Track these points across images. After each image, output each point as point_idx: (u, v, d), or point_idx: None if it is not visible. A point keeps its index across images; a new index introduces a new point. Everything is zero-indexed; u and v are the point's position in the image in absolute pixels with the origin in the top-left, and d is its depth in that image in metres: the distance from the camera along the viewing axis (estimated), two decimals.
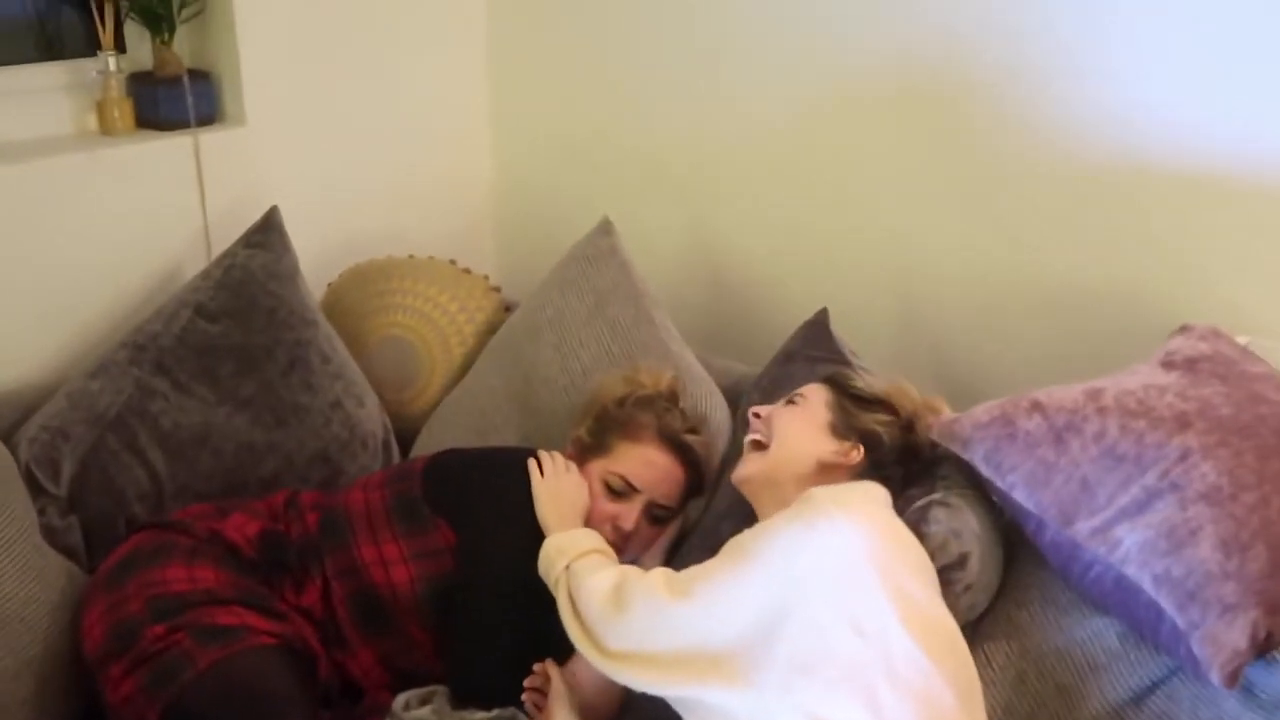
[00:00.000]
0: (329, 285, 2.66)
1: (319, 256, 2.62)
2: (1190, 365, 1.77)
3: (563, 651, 1.83)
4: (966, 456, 1.76)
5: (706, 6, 2.58)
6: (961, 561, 1.72)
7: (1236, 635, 1.49)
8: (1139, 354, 1.90)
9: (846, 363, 2.13)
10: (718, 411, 2.26)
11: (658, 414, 2.07)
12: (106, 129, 2.41)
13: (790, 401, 1.90)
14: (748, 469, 1.85)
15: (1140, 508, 1.60)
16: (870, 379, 1.95)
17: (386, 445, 2.41)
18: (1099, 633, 1.70)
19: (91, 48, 2.38)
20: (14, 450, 2.06)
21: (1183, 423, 1.64)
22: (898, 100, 2.36)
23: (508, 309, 2.61)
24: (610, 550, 1.85)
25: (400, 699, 1.89)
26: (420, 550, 1.94)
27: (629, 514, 1.98)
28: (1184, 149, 2.05)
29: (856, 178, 2.46)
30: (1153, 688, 1.64)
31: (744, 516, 1.83)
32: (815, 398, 1.87)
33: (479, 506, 1.96)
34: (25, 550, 1.90)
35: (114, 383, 2.15)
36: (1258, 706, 1.55)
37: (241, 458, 2.21)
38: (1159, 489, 1.60)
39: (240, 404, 2.21)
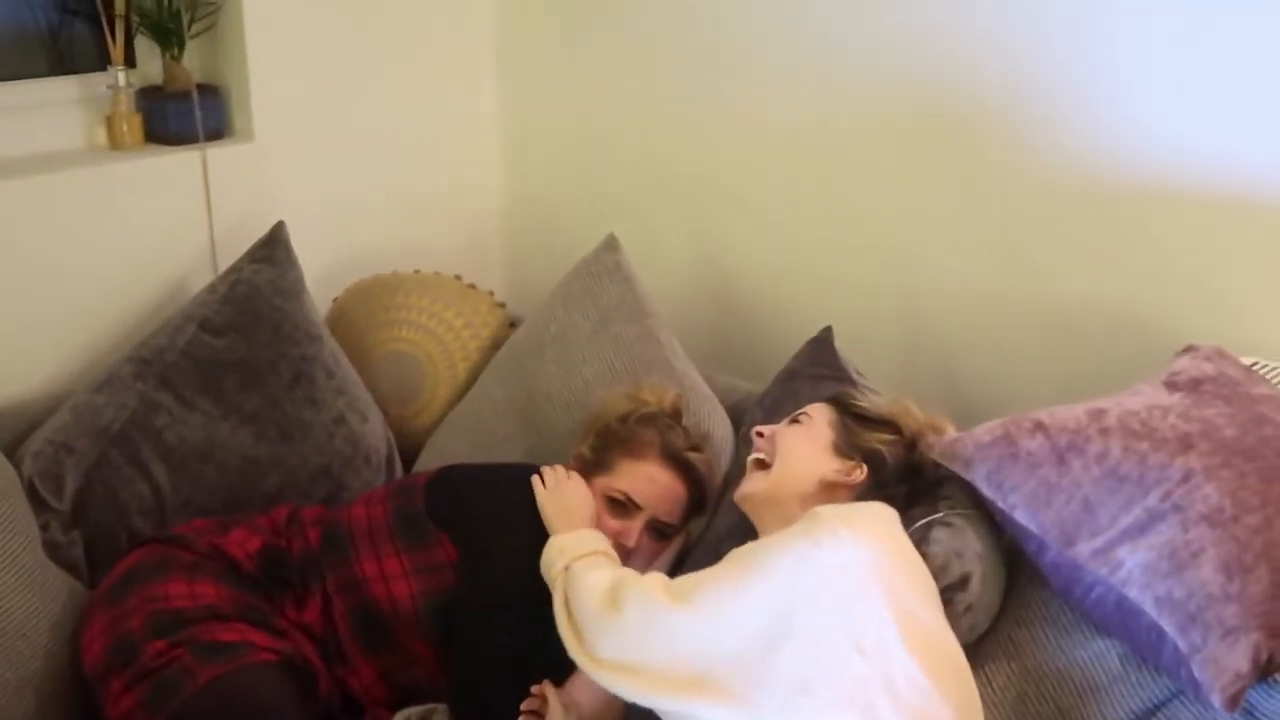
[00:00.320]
0: (334, 300, 2.67)
1: (325, 271, 2.63)
2: (1194, 386, 1.77)
3: (562, 672, 1.83)
4: (968, 476, 1.75)
5: (715, 26, 2.58)
6: (963, 582, 1.71)
7: (1238, 658, 1.48)
8: (1144, 375, 1.89)
9: (851, 381, 2.12)
10: (721, 429, 2.26)
11: (661, 431, 2.06)
12: (116, 143, 2.42)
13: (794, 420, 1.89)
14: (750, 487, 1.84)
15: (1142, 529, 1.60)
16: (874, 398, 1.95)
17: (390, 461, 2.41)
18: (1100, 654, 1.69)
19: (102, 62, 2.40)
20: (18, 465, 2.07)
21: (1186, 444, 1.63)
22: (905, 121, 2.36)
23: (513, 325, 2.62)
24: (614, 553, 1.84)
25: (399, 716, 1.89)
26: (422, 565, 1.94)
27: (631, 531, 1.98)
28: (1189, 170, 2.05)
29: (863, 197, 2.46)
30: (1154, 710, 1.63)
31: (746, 535, 1.82)
32: (819, 417, 1.87)
33: (482, 522, 1.96)
34: (28, 565, 1.90)
35: (118, 397, 2.16)
36: None
37: (245, 472, 2.21)
38: (1161, 510, 1.59)
39: (244, 419, 2.21)
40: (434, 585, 1.93)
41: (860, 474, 1.79)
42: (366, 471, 2.33)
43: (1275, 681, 1.52)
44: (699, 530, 2.12)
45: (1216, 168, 2.02)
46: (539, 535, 1.82)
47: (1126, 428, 1.68)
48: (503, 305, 2.68)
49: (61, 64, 2.39)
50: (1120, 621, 1.63)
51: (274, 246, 2.35)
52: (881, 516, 1.65)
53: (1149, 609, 1.57)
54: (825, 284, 2.56)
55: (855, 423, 1.85)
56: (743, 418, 2.24)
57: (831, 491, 1.77)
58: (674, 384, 2.24)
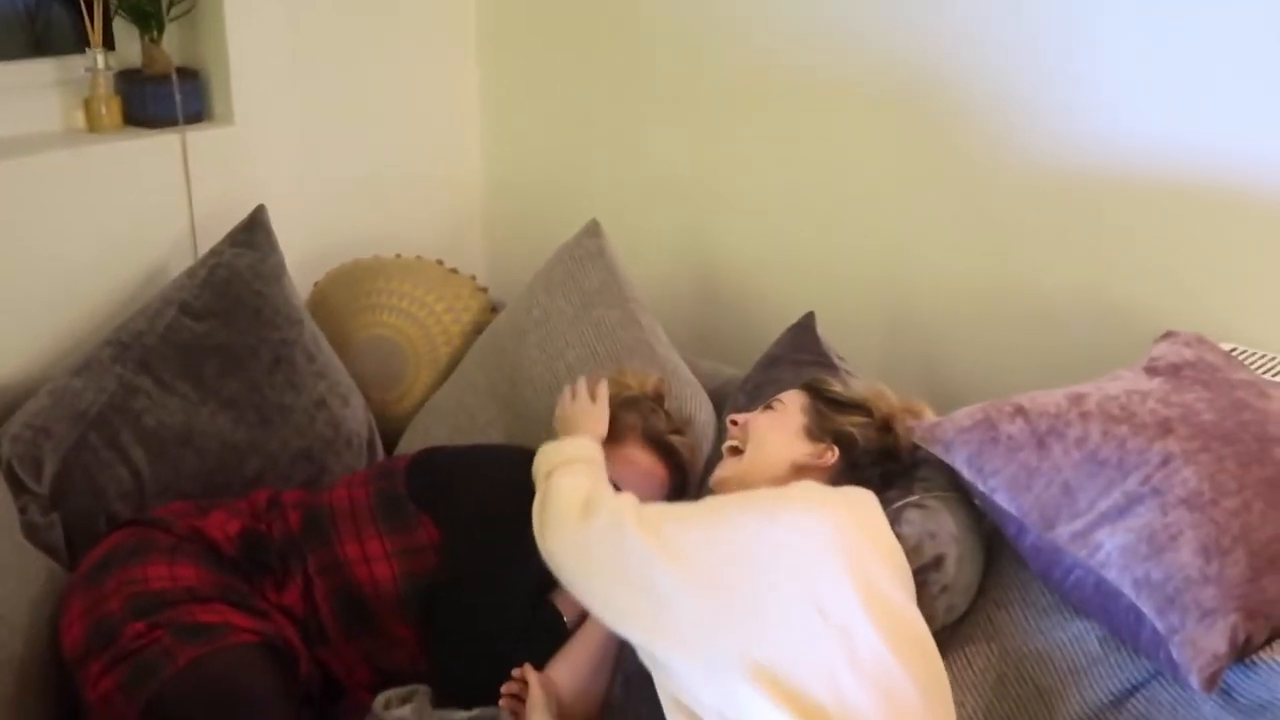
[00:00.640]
0: (315, 285, 2.66)
1: (305, 256, 2.63)
2: (1174, 371, 1.78)
3: (543, 656, 1.84)
4: (949, 460, 1.76)
5: (697, 12, 2.58)
6: (937, 563, 1.72)
7: (1216, 639, 1.49)
8: (1124, 362, 1.90)
9: (833, 366, 2.13)
10: (703, 413, 2.26)
11: (643, 415, 2.07)
12: (94, 126, 2.41)
13: (768, 407, 1.90)
14: (723, 472, 1.86)
15: (1121, 512, 1.61)
16: (850, 383, 1.96)
17: (371, 445, 2.40)
18: (1080, 636, 1.70)
19: (80, 45, 2.38)
20: None
21: (1165, 428, 1.64)
22: (886, 110, 2.37)
23: (494, 309, 2.62)
24: (601, 459, 1.85)
25: (381, 698, 1.88)
26: (404, 547, 1.94)
27: None
28: (1170, 161, 2.06)
29: (845, 183, 2.47)
30: (1133, 691, 1.64)
31: None
32: (791, 403, 1.88)
33: (464, 504, 1.96)
34: (6, 548, 1.89)
35: (97, 380, 2.15)
36: (1237, 710, 1.55)
37: (225, 457, 2.20)
38: (1140, 494, 1.60)
39: (224, 403, 2.21)
40: (416, 567, 1.93)
41: (832, 456, 1.80)
42: (348, 455, 2.33)
43: (1252, 662, 1.53)
44: None
45: (1196, 159, 2.03)
46: (522, 516, 1.81)
47: (1106, 412, 1.69)
48: (484, 290, 2.67)
49: (39, 46, 2.37)
50: (1099, 603, 1.64)
51: (254, 230, 2.34)
52: (854, 500, 1.66)
53: (1128, 591, 1.58)
54: (807, 270, 2.56)
55: (827, 407, 1.86)
56: (725, 402, 2.25)
57: (803, 474, 1.78)
58: (656, 368, 2.24)
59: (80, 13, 2.34)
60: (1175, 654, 1.52)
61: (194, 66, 2.52)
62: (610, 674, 1.84)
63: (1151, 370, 1.79)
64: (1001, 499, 1.70)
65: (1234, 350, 1.96)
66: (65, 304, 2.33)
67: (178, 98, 2.42)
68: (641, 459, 2.04)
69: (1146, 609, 1.55)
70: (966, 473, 1.74)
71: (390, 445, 2.47)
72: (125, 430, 2.13)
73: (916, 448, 1.86)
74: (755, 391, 2.15)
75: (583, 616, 1.87)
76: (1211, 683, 1.49)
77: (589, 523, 1.64)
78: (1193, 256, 2.08)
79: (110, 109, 2.41)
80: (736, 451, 1.87)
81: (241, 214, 2.37)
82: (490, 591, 1.89)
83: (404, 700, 1.88)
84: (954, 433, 1.76)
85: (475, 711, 1.82)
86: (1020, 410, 1.73)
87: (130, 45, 2.47)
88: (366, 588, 1.93)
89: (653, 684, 1.58)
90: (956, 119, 2.28)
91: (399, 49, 2.81)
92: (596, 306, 2.34)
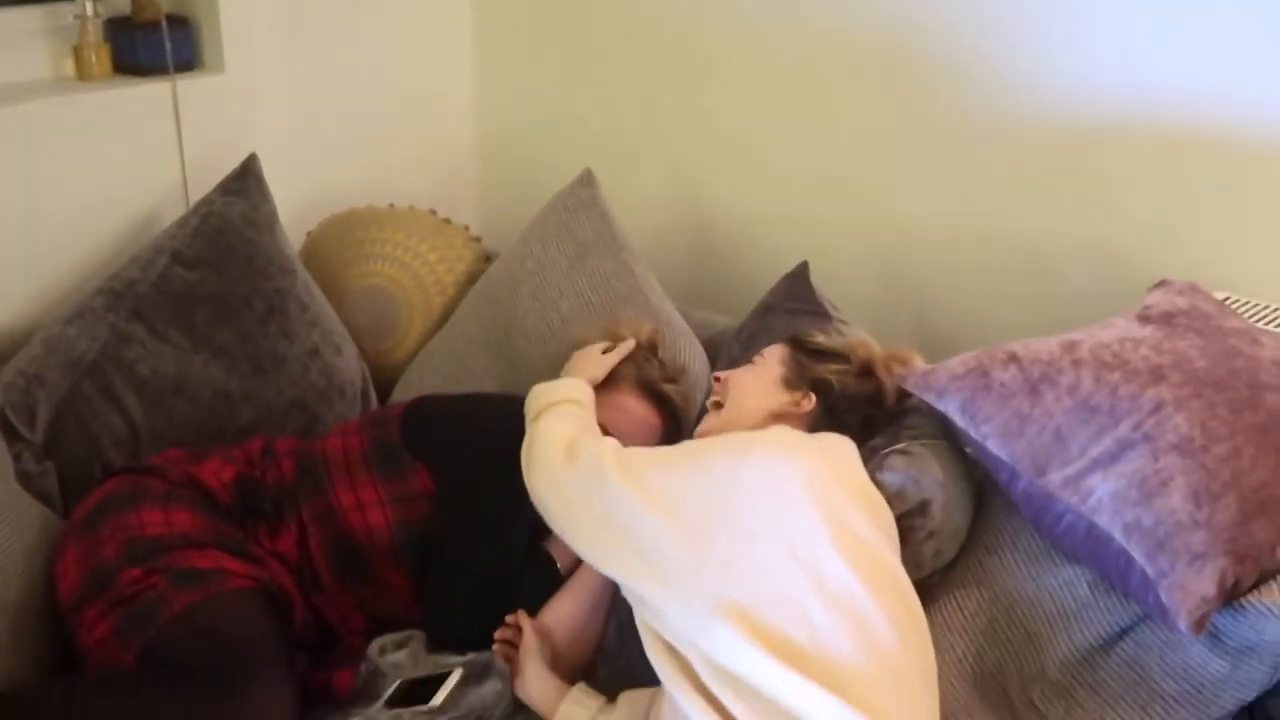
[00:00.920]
0: (308, 234, 2.65)
1: (298, 205, 2.62)
2: (1167, 319, 1.78)
3: (535, 602, 1.85)
4: (941, 407, 1.76)
5: None
6: (922, 508, 1.73)
7: (1205, 583, 1.50)
8: (1118, 310, 1.90)
9: (826, 315, 2.13)
10: (697, 362, 2.26)
11: (637, 364, 2.08)
12: (84, 74, 2.38)
13: (749, 362, 1.92)
14: (705, 426, 1.89)
15: (1113, 458, 1.61)
16: (843, 332, 1.97)
17: (365, 394, 2.41)
18: (1070, 581, 1.71)
19: None
20: None
21: (1157, 375, 1.65)
22: (880, 60, 2.36)
23: (488, 259, 2.61)
24: (589, 402, 1.90)
25: (376, 644, 1.89)
26: (398, 495, 1.95)
27: None
28: (1164, 109, 2.06)
29: (838, 136, 2.46)
30: (1122, 634, 1.66)
31: None
32: (771, 356, 1.91)
33: (457, 451, 1.96)
34: (1, 495, 1.89)
35: (90, 329, 2.14)
36: (1224, 652, 1.57)
37: (218, 406, 2.20)
38: (1132, 440, 1.61)
39: (217, 351, 2.20)
40: (410, 515, 1.94)
41: (809, 403, 1.82)
42: (341, 405, 2.33)
43: (1240, 606, 1.54)
44: None
45: (1188, 105, 2.03)
46: (515, 465, 1.82)
47: (1099, 359, 1.69)
48: (478, 240, 2.66)
49: None
50: (1090, 549, 1.65)
51: (246, 179, 2.33)
52: (828, 444, 1.67)
53: (1118, 536, 1.59)
54: (801, 220, 2.56)
55: (806, 357, 1.87)
56: (719, 351, 2.25)
57: (782, 423, 1.79)
58: (650, 318, 2.24)
59: None
60: (1164, 597, 1.53)
61: (184, 14, 2.49)
62: (603, 619, 1.86)
63: (1144, 318, 1.80)
64: (994, 446, 1.71)
65: (1227, 299, 1.97)
66: (57, 252, 2.32)
67: (168, 45, 2.40)
68: (635, 408, 2.05)
69: (1136, 554, 1.56)
70: (959, 420, 1.75)
71: (384, 395, 2.48)
72: (119, 378, 2.13)
73: (903, 395, 1.86)
74: (749, 341, 2.15)
75: (576, 563, 1.88)
76: (1200, 625, 1.50)
77: (571, 466, 1.69)
78: (1186, 205, 2.08)
79: (100, 57, 2.39)
80: (719, 406, 1.89)
81: (233, 163, 2.36)
82: (484, 538, 1.90)
83: (399, 646, 1.90)
84: (947, 380, 1.76)
85: (469, 656, 1.84)
86: (1013, 357, 1.74)
87: None
88: (361, 535, 1.94)
89: None
90: (950, 69, 2.27)
91: None
92: (590, 256, 2.33)
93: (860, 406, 1.85)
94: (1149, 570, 1.55)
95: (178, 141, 2.45)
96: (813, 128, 2.49)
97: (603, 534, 1.61)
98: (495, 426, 1.96)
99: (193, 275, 2.22)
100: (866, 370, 1.87)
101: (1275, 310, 1.96)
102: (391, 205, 2.70)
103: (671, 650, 1.53)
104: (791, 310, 2.16)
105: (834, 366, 1.85)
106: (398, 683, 1.79)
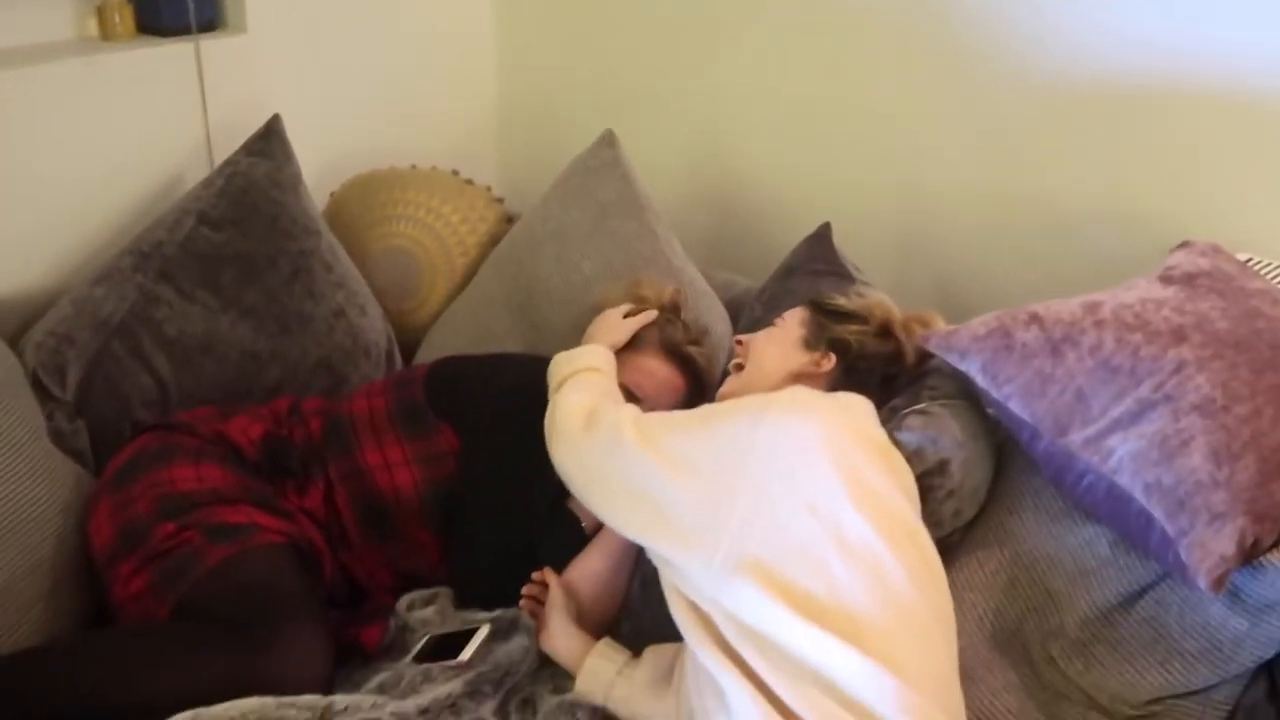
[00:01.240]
0: (331, 195, 2.66)
1: (321, 166, 2.63)
2: (1189, 280, 1.79)
3: (559, 560, 1.88)
4: (963, 368, 1.77)
5: None
6: (941, 468, 1.74)
7: (1224, 542, 1.52)
8: (1140, 272, 1.91)
9: (849, 276, 2.14)
10: (720, 324, 2.28)
11: (660, 326, 2.09)
12: (107, 34, 2.40)
13: (770, 325, 1.93)
14: (726, 388, 1.90)
15: (1134, 419, 1.63)
16: (865, 293, 1.98)
17: (389, 355, 2.43)
18: (1090, 540, 1.73)
19: None
20: (20, 356, 2.08)
21: (1179, 336, 1.66)
22: (901, 21, 2.35)
23: (510, 220, 2.62)
24: (610, 368, 1.91)
25: (404, 600, 1.93)
26: (424, 454, 1.97)
27: None
28: (1187, 67, 2.05)
29: (859, 93, 2.46)
30: (1142, 592, 1.67)
31: None
32: (791, 318, 1.92)
33: (481, 411, 1.98)
34: (35, 453, 1.92)
35: (118, 289, 2.16)
36: (1243, 610, 1.58)
37: (245, 366, 2.22)
38: (1153, 400, 1.62)
39: (244, 312, 2.22)
40: (436, 473, 1.96)
41: (828, 363, 1.83)
42: (366, 365, 2.35)
43: (1260, 564, 1.55)
44: None
45: (1212, 64, 2.02)
46: (539, 424, 1.84)
47: (1120, 320, 1.70)
48: (500, 201, 2.67)
49: None
50: (1110, 508, 1.67)
51: (270, 140, 2.34)
52: (844, 403, 1.68)
53: (1138, 496, 1.60)
54: (822, 182, 2.56)
55: (825, 318, 1.89)
56: (741, 312, 2.26)
57: (802, 383, 1.81)
58: (673, 279, 2.25)
59: None
60: (1184, 556, 1.55)
61: None
62: (628, 577, 1.88)
63: (1166, 279, 1.80)
64: (1015, 406, 1.72)
65: (1249, 260, 1.97)
66: (83, 214, 2.34)
67: (191, 5, 2.40)
68: (659, 370, 2.06)
69: (1157, 513, 1.58)
70: (980, 380, 1.76)
71: (408, 356, 2.50)
72: (147, 338, 2.15)
73: (924, 356, 1.88)
74: (771, 302, 2.16)
75: (600, 522, 1.90)
76: (1219, 584, 1.52)
77: (591, 435, 1.71)
78: (1209, 165, 2.07)
79: (123, 17, 2.40)
80: (741, 368, 1.91)
81: (256, 124, 2.37)
82: (508, 498, 1.92)
83: (427, 602, 1.93)
84: (968, 340, 1.77)
85: (496, 613, 1.88)
86: (1035, 318, 1.74)
87: None
88: (387, 494, 1.97)
89: None
90: (973, 29, 2.26)
91: None
92: (612, 217, 2.34)
93: (879, 366, 1.86)
94: (1169, 529, 1.57)
95: (201, 102, 2.46)
96: (835, 88, 2.49)
97: (623, 499, 1.63)
98: (518, 386, 1.98)
99: (219, 236, 2.23)
100: (885, 331, 1.88)
101: None
102: (414, 166, 2.71)
103: (694, 608, 1.56)
104: (813, 271, 2.17)
105: (853, 327, 1.87)
106: (426, 638, 1.82)
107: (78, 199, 2.32)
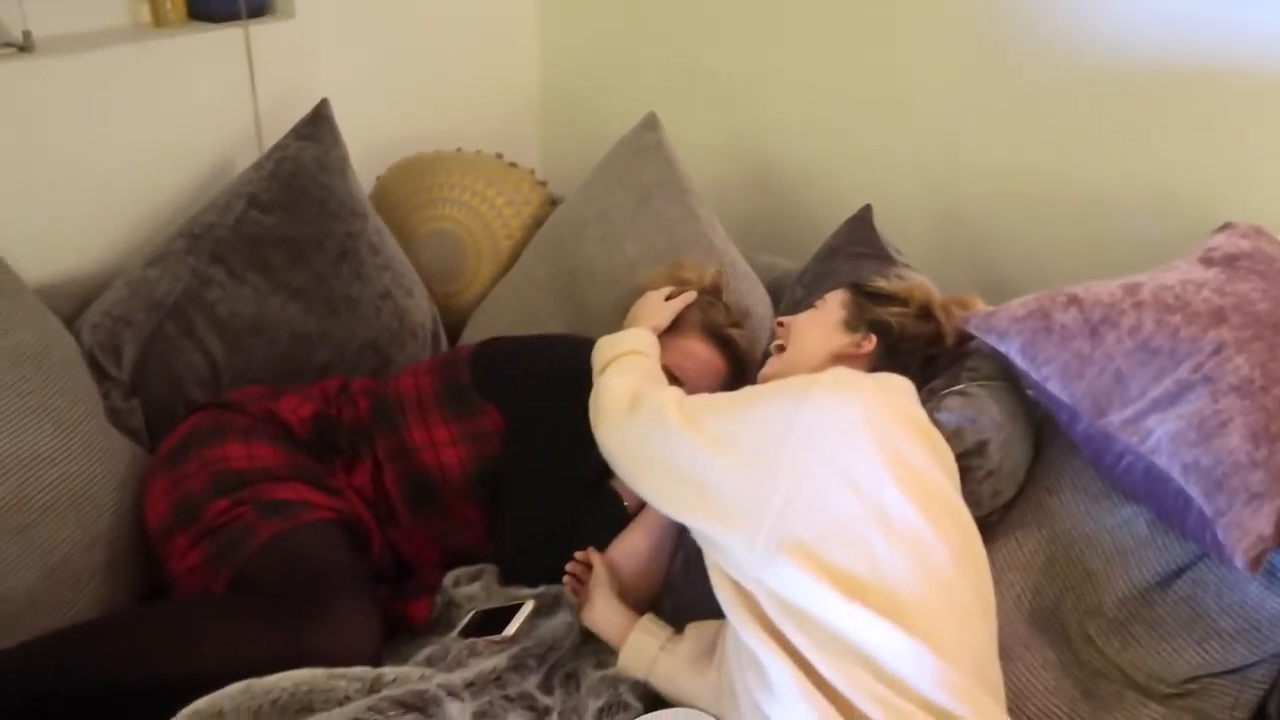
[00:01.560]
0: (378, 178, 2.70)
1: (368, 149, 2.65)
2: (1229, 262, 1.79)
3: (602, 538, 1.91)
4: (1002, 349, 1.79)
5: None
6: (980, 449, 1.75)
7: (1262, 522, 1.52)
8: (1182, 254, 1.91)
9: (890, 259, 2.15)
10: (760, 305, 2.29)
11: (701, 308, 2.10)
12: (160, 21, 2.44)
13: (811, 307, 1.95)
14: (768, 369, 1.92)
15: (1172, 400, 1.63)
16: (906, 275, 1.99)
17: (435, 336, 2.46)
18: (1128, 520, 1.74)
19: None
20: (77, 336, 2.13)
21: (1218, 317, 1.66)
22: (941, 3, 2.35)
23: (554, 203, 2.64)
24: (654, 352, 1.93)
25: (450, 576, 1.96)
26: (469, 433, 2.00)
27: None
28: (1229, 47, 2.04)
29: (899, 76, 2.46)
30: (1179, 572, 1.69)
31: None
32: (832, 300, 1.93)
33: (525, 391, 2.01)
34: (92, 431, 1.97)
35: (172, 271, 2.21)
36: None
37: (295, 347, 2.26)
38: (1191, 381, 1.62)
39: (293, 294, 2.26)
40: (481, 452, 2.00)
41: (869, 344, 1.85)
42: (412, 346, 2.38)
43: None
44: None
45: (1259, 44, 2.01)
46: (582, 404, 1.86)
47: (1160, 301, 1.70)
48: (544, 184, 2.70)
49: None
50: (1148, 488, 1.68)
51: (318, 124, 2.37)
52: (885, 383, 1.69)
53: (1177, 476, 1.61)
54: (862, 164, 2.57)
55: (866, 300, 1.90)
56: (782, 294, 2.28)
57: (843, 363, 1.83)
58: (714, 261, 2.27)
59: None
60: (1221, 536, 1.55)
61: None
62: (670, 555, 1.90)
63: (1207, 261, 1.80)
64: (1054, 387, 1.73)
65: None
66: (136, 197, 2.38)
67: None
68: (701, 351, 2.08)
69: (1194, 493, 1.59)
70: (1019, 361, 1.77)
71: (453, 337, 2.52)
72: (200, 319, 2.19)
73: (964, 338, 1.89)
74: (812, 284, 2.17)
75: (643, 501, 1.93)
76: (1257, 563, 1.52)
77: (635, 416, 1.73)
78: (1254, 147, 2.07)
79: (175, 4, 2.44)
80: (782, 350, 1.92)
81: (305, 108, 2.40)
82: (552, 477, 1.95)
83: (473, 579, 1.96)
84: (1008, 322, 1.78)
85: (540, 589, 1.90)
86: (1074, 300, 1.75)
87: None
88: (434, 472, 2.00)
89: None
90: (1012, 8, 2.26)
91: None
92: (655, 199, 2.36)
93: (920, 347, 1.88)
94: (1207, 509, 1.57)
95: (251, 86, 2.50)
96: (875, 69, 2.49)
97: (667, 479, 1.65)
98: (562, 366, 2.00)
99: (269, 219, 2.27)
100: (925, 312, 1.90)
101: None
102: (459, 150, 2.74)
103: (737, 586, 1.57)
104: (854, 254, 2.18)
105: (894, 309, 1.88)
106: (472, 613, 1.85)
107: (131, 183, 2.37)
